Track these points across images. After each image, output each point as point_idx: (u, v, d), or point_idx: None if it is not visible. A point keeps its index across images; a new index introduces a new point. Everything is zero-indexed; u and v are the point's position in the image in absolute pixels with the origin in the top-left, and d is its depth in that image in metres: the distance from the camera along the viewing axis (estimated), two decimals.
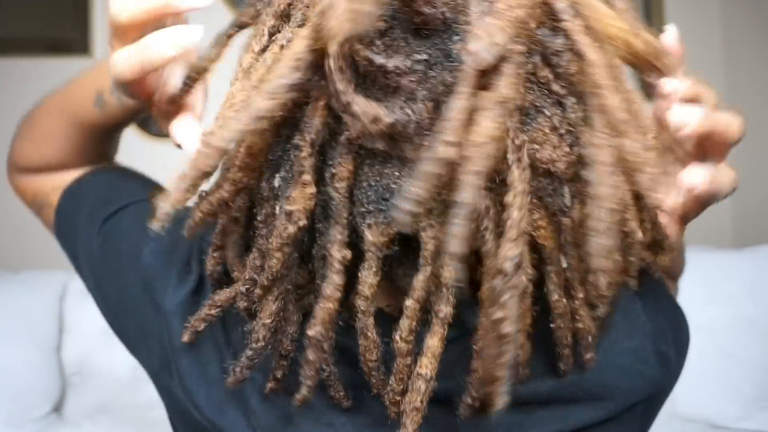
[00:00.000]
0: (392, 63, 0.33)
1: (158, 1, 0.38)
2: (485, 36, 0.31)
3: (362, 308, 0.37)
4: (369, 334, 0.38)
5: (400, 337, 0.37)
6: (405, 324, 0.36)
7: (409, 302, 0.36)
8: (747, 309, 1.70)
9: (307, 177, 0.35)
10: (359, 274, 0.37)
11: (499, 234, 0.34)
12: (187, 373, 0.47)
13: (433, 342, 0.36)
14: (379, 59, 0.33)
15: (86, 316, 1.77)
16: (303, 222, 0.35)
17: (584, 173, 0.34)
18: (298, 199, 0.35)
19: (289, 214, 0.35)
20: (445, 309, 0.36)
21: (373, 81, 0.34)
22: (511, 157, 0.33)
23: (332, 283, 0.36)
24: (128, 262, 0.52)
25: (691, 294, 1.75)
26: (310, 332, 0.37)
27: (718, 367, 1.65)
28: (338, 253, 0.36)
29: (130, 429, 1.58)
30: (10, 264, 1.91)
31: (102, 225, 0.54)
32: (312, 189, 0.35)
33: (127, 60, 0.39)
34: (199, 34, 0.37)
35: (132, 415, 1.66)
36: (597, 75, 0.33)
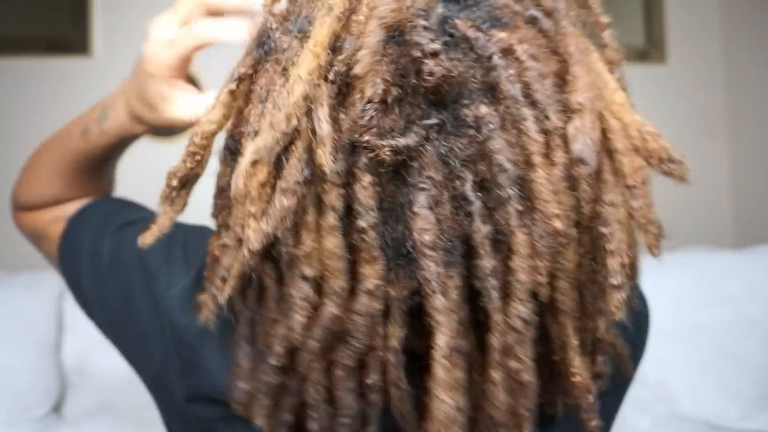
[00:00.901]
0: (405, 142, 0.34)
1: (192, 41, 0.46)
2: (584, 138, 0.34)
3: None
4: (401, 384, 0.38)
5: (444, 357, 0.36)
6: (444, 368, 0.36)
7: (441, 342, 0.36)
8: (747, 309, 1.70)
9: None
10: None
11: (505, 292, 0.35)
12: (199, 348, 0.48)
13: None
14: (397, 143, 0.34)
15: (86, 317, 1.77)
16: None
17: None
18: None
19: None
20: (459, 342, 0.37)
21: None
22: (514, 222, 0.34)
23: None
24: (133, 267, 0.53)
25: (691, 294, 1.75)
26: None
27: (718, 367, 1.65)
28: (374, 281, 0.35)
29: (130, 429, 1.58)
30: (10, 264, 1.91)
31: (111, 236, 0.57)
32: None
33: (173, 45, 0.46)
34: (243, 32, 0.40)
35: (132, 415, 1.65)
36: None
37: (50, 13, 2.02)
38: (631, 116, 0.39)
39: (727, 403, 1.62)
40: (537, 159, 0.34)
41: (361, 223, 0.34)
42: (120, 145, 0.60)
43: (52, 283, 1.78)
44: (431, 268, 0.34)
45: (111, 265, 0.56)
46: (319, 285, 0.35)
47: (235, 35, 0.44)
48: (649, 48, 2.35)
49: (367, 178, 0.34)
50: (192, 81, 0.52)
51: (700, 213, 2.33)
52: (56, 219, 0.64)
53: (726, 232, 2.37)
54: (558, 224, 0.34)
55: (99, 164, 0.63)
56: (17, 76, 1.99)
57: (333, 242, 0.34)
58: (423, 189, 0.34)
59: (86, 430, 1.57)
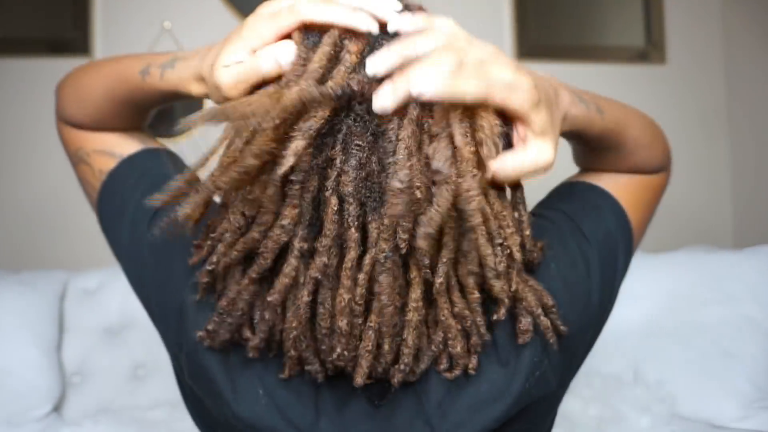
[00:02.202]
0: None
1: (252, 72, 0.48)
2: None
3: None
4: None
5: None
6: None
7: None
8: (747, 309, 1.70)
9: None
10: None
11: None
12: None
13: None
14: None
15: (86, 316, 1.77)
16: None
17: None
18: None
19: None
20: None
21: None
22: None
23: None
24: (180, 253, 0.58)
25: (692, 294, 1.75)
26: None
27: (718, 367, 1.65)
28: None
29: (130, 429, 1.58)
30: (10, 264, 1.91)
31: (154, 215, 0.61)
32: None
33: (236, 79, 0.49)
34: (293, 51, 0.47)
35: (132, 415, 1.66)
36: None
37: (51, 14, 2.03)
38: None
39: (727, 403, 1.62)
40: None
41: (293, 177, 0.47)
42: (169, 98, 0.62)
43: (53, 282, 1.78)
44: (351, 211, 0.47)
45: (153, 245, 0.60)
46: (251, 218, 0.49)
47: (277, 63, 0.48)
48: (649, 48, 2.35)
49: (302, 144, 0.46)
50: None
51: (700, 213, 2.33)
52: (104, 152, 0.66)
53: (726, 232, 2.38)
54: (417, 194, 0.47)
55: (144, 106, 0.65)
56: (19, 76, 2.00)
57: (272, 190, 0.47)
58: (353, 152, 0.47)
59: (86, 430, 1.57)
